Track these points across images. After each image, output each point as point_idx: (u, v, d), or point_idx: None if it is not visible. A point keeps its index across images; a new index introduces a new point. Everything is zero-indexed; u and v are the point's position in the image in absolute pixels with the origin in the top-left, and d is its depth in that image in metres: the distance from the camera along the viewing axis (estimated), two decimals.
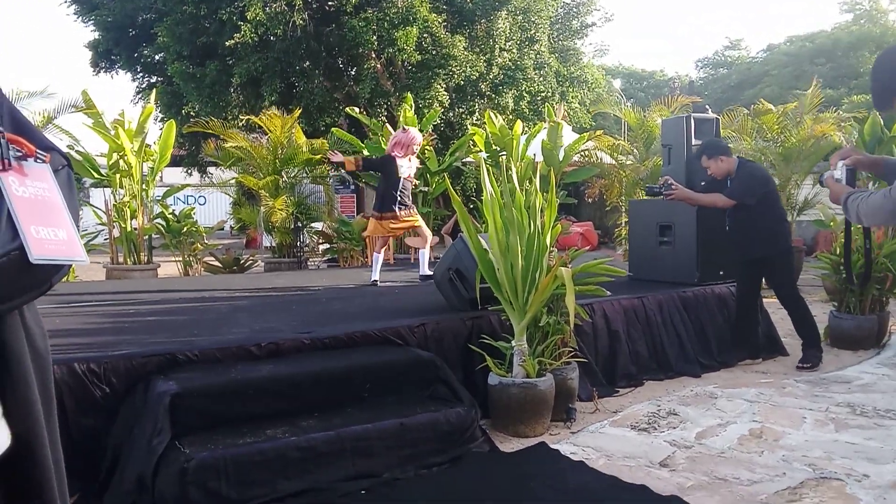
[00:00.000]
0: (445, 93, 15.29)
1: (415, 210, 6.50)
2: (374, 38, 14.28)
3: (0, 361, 1.45)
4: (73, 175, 1.69)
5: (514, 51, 16.56)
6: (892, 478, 3.09)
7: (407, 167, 6.35)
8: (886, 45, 26.73)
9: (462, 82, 15.58)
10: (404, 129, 6.78)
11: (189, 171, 18.85)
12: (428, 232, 6.64)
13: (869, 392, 4.51)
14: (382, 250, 6.72)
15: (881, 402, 4.27)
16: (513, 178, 3.99)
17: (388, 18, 14.26)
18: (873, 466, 3.22)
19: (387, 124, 11.22)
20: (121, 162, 9.26)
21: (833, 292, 6.47)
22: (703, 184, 5.62)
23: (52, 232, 1.38)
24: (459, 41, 15.11)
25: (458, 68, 15.14)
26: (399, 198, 6.25)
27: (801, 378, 4.95)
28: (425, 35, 14.88)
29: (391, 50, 14.42)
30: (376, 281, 6.44)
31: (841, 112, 11.39)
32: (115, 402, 3.19)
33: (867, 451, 3.42)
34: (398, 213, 6.27)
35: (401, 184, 6.26)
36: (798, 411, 4.12)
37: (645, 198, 8.98)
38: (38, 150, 1.47)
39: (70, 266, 1.66)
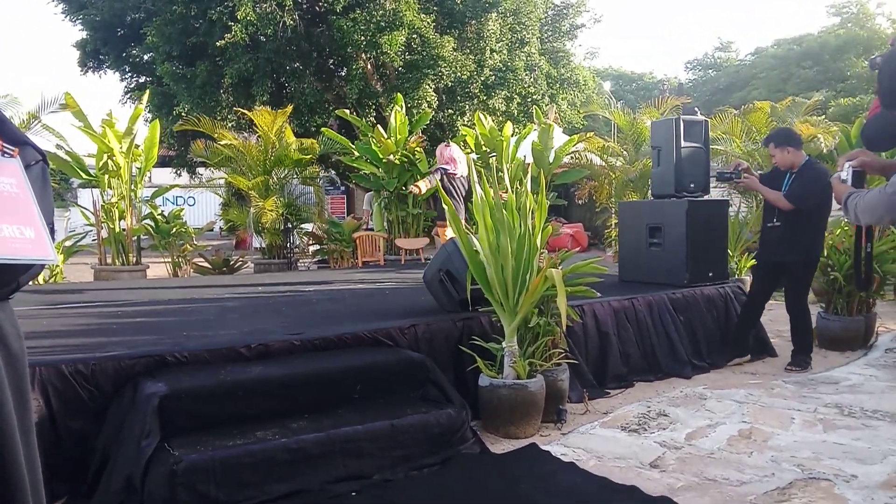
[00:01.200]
0: (434, 94, 15.29)
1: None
2: (362, 39, 14.26)
3: None
4: (49, 171, 1.64)
5: (505, 52, 16.59)
6: (879, 478, 3.11)
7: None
8: (873, 48, 26.94)
9: (451, 83, 15.58)
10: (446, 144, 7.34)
11: (178, 172, 18.75)
12: None
13: (857, 393, 4.55)
14: None
15: (869, 402, 4.30)
16: (504, 179, 3.99)
17: (374, 20, 14.24)
18: (861, 467, 3.24)
19: (377, 125, 11.20)
20: (109, 162, 9.20)
21: (821, 294, 6.51)
22: (760, 172, 5.55)
23: (18, 230, 1.31)
24: (449, 42, 15.10)
25: (448, 69, 15.14)
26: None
27: (790, 379, 4.97)
28: (414, 36, 14.87)
29: (377, 52, 14.41)
30: None
31: (826, 119, 11.48)
32: (103, 404, 3.16)
33: (855, 452, 3.44)
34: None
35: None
36: (787, 412, 4.14)
37: (639, 198, 9.02)
38: (5, 145, 1.41)
39: (42, 266, 1.60)
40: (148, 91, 13.45)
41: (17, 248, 1.31)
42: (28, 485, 1.54)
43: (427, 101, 14.89)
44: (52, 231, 1.48)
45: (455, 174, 6.91)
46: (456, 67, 15.24)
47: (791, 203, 5.05)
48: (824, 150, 9.65)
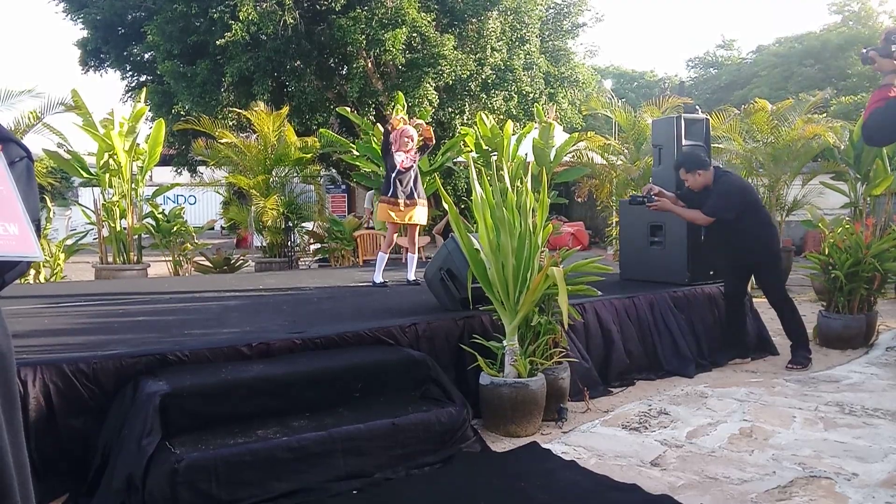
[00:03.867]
0: (435, 92, 15.28)
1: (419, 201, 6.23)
2: (363, 37, 14.25)
3: None
4: (33, 168, 1.64)
5: (504, 51, 16.57)
6: (880, 476, 3.11)
7: (405, 158, 6.15)
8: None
9: (452, 82, 15.56)
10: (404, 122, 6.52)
11: (179, 171, 18.76)
12: (416, 239, 6.49)
13: (858, 391, 4.54)
14: (389, 249, 6.54)
15: (870, 401, 4.30)
16: (504, 177, 3.99)
17: (376, 18, 14.24)
18: (862, 465, 3.24)
19: (377, 124, 11.19)
20: (111, 161, 9.20)
21: (822, 292, 6.50)
22: (679, 192, 5.55)
23: (1, 227, 1.31)
24: (449, 41, 15.09)
25: (448, 68, 15.13)
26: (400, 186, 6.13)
27: (791, 377, 4.97)
28: (415, 35, 14.86)
29: (378, 50, 14.41)
30: (376, 282, 6.31)
31: (827, 116, 11.46)
32: (104, 403, 3.17)
33: (856, 450, 3.44)
34: (399, 201, 6.11)
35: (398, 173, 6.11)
36: (788, 410, 4.14)
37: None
38: None
39: (28, 264, 1.58)
40: (146, 89, 13.44)
41: (1, 245, 1.30)
42: (17, 485, 1.52)
43: (428, 100, 14.89)
44: (37, 229, 1.46)
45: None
46: (456, 66, 15.23)
47: (710, 216, 5.13)
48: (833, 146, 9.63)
